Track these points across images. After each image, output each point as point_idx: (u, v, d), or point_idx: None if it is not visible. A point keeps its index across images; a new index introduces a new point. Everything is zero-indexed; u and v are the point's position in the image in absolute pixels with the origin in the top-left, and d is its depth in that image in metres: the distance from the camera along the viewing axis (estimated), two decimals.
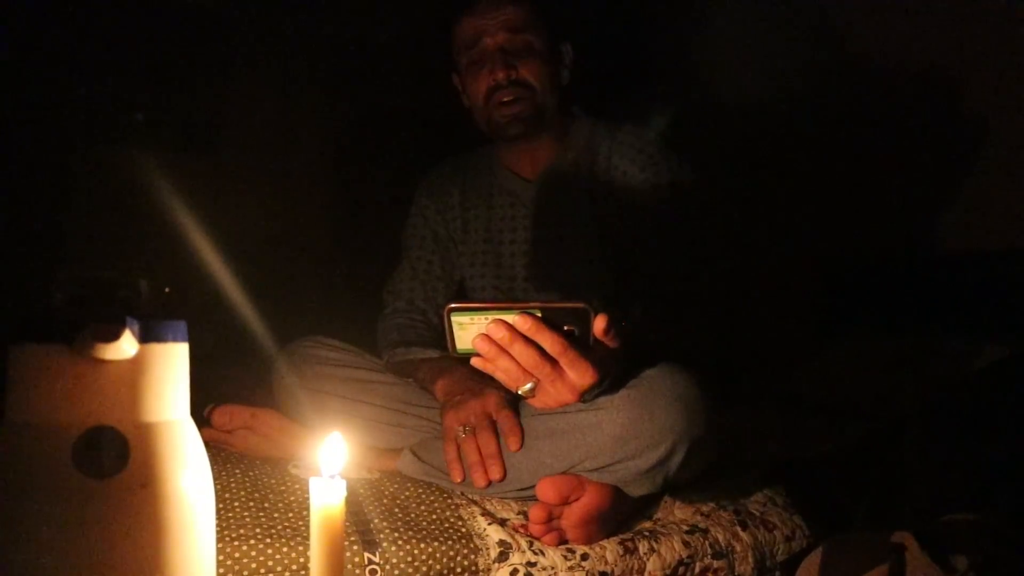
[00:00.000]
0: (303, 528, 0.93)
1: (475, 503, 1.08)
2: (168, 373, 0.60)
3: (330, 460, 0.66)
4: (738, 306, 2.07)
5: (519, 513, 1.07)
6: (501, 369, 0.91)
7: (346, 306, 1.90)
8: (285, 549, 0.89)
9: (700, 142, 1.75)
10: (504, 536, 0.98)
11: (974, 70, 1.84)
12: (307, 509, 0.97)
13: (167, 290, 0.63)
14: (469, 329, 0.89)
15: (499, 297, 1.43)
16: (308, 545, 0.83)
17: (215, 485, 0.65)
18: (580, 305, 0.88)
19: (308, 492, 0.79)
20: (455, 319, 0.88)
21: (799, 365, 1.89)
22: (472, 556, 0.95)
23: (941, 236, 1.94)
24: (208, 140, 2.52)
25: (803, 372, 1.86)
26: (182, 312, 0.62)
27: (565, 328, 0.89)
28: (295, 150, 2.65)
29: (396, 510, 1.03)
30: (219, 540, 0.88)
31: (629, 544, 1.01)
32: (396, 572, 0.91)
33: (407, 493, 1.09)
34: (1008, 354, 1.45)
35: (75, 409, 0.56)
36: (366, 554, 0.91)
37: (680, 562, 1.01)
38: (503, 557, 0.96)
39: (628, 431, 0.97)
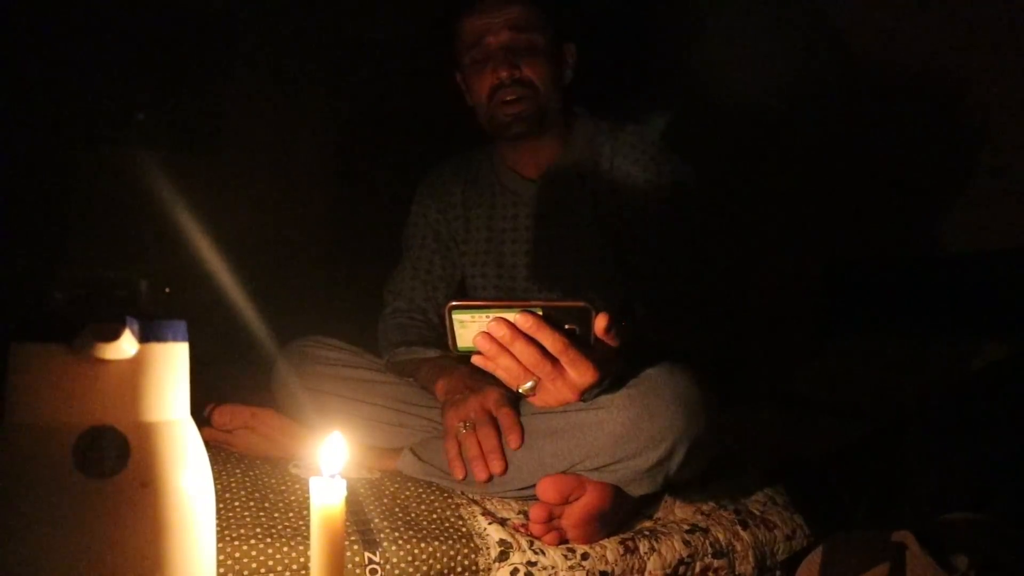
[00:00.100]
0: (303, 528, 0.93)
1: (475, 503, 1.08)
2: (168, 373, 0.60)
3: (330, 460, 0.66)
4: (739, 306, 2.07)
5: (519, 512, 1.07)
6: (502, 367, 0.91)
7: (346, 306, 1.90)
8: (285, 549, 0.89)
9: (701, 142, 1.75)
10: (504, 535, 0.98)
11: (974, 70, 1.84)
12: (307, 509, 0.97)
13: (167, 290, 0.63)
14: (470, 327, 0.89)
15: (500, 296, 1.43)
16: (308, 545, 0.84)
17: (215, 485, 0.65)
18: (581, 304, 0.88)
19: (308, 492, 0.79)
20: (456, 317, 0.88)
21: (799, 365, 1.89)
22: (472, 555, 0.95)
23: (941, 236, 1.94)
24: (208, 140, 2.52)
25: (803, 372, 1.86)
26: (182, 312, 0.62)
27: (566, 327, 0.89)
28: (295, 150, 2.64)
29: (396, 510, 1.03)
30: (219, 540, 0.88)
31: (629, 543, 1.01)
32: (396, 572, 0.91)
33: (407, 493, 1.09)
34: (1007, 354, 1.45)
35: (75, 409, 0.56)
36: (366, 554, 0.91)
37: (680, 561, 1.01)
38: (503, 556, 0.96)
39: (628, 430, 0.97)
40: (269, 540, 0.90)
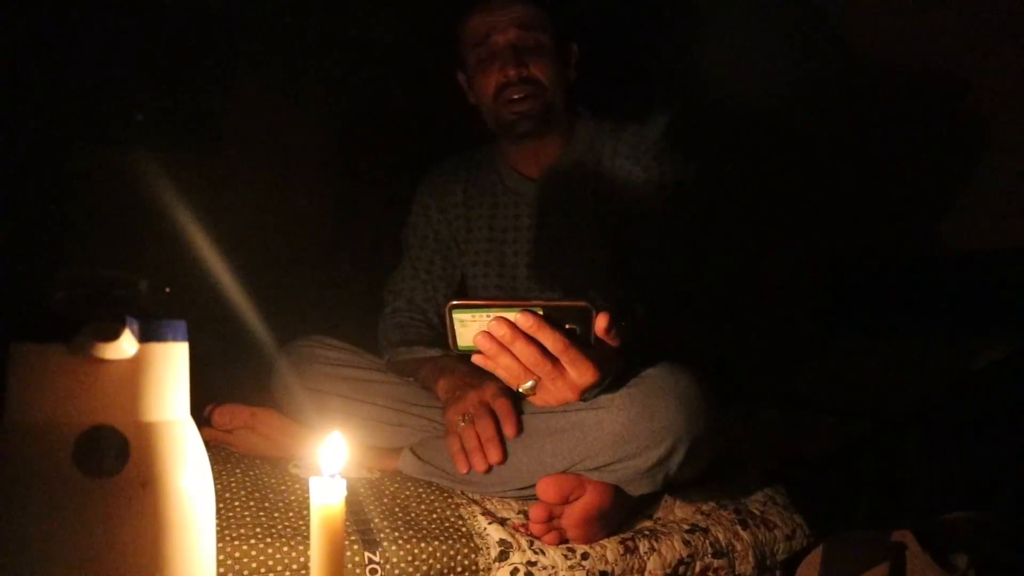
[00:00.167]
0: (303, 528, 0.93)
1: (475, 502, 1.08)
2: (168, 373, 0.60)
3: (330, 459, 0.66)
4: (739, 306, 2.07)
5: (519, 512, 1.07)
6: (502, 367, 0.91)
7: (346, 306, 1.90)
8: (285, 549, 0.89)
9: (703, 142, 1.75)
10: (504, 535, 0.98)
11: (975, 70, 1.84)
12: (307, 509, 0.97)
13: (167, 290, 0.63)
14: (470, 326, 0.89)
15: (501, 295, 1.43)
16: (308, 545, 0.84)
17: (215, 485, 0.65)
18: (582, 303, 0.88)
19: (308, 492, 0.79)
20: (456, 316, 0.88)
21: (799, 365, 1.89)
22: (472, 555, 0.95)
23: (941, 236, 1.94)
24: (208, 140, 2.52)
25: (803, 372, 1.86)
26: (182, 312, 0.62)
27: (567, 326, 0.88)
28: (295, 150, 2.64)
29: (396, 509, 1.03)
30: (219, 540, 0.88)
31: (629, 543, 1.01)
32: (396, 571, 0.91)
33: (407, 492, 1.09)
34: (1007, 354, 1.45)
35: (75, 409, 0.56)
36: (366, 553, 0.91)
37: (680, 561, 1.01)
38: (503, 556, 0.96)
39: (629, 430, 0.97)
40: (269, 540, 0.90)
